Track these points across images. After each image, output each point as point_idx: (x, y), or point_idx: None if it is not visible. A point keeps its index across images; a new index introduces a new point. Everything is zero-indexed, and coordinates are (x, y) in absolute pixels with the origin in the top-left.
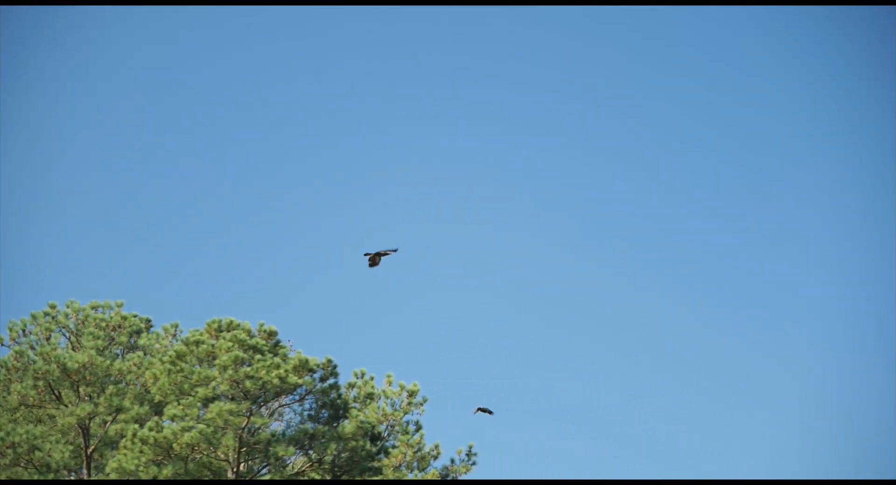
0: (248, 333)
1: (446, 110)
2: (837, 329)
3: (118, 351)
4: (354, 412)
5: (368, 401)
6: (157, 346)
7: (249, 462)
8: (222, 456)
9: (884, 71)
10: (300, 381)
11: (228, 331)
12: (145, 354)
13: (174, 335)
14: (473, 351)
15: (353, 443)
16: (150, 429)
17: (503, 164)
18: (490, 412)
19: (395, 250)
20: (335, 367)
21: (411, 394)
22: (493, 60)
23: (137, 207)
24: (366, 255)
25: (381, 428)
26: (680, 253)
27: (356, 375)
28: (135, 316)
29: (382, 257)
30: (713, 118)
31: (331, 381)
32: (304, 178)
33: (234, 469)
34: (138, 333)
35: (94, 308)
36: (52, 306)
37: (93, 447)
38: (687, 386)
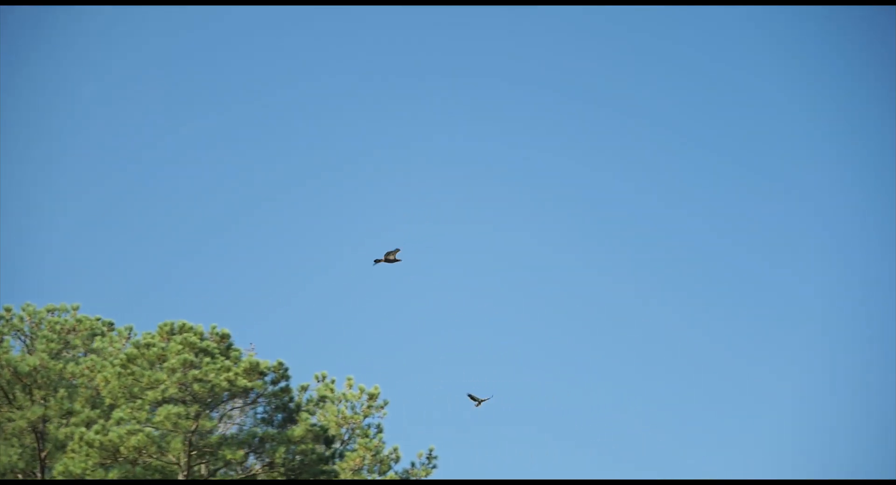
0: (200, 336)
1: (446, 110)
2: (837, 330)
3: (80, 354)
4: (304, 415)
5: (322, 404)
6: (111, 349)
7: (202, 466)
8: (173, 459)
9: (884, 71)
10: (250, 384)
11: (180, 334)
12: (103, 358)
13: (128, 338)
14: (472, 352)
15: (303, 446)
16: (97, 432)
17: (503, 164)
18: (478, 401)
19: (399, 259)
20: (287, 370)
21: (371, 397)
22: (493, 60)
23: (134, 206)
24: (376, 261)
25: (342, 431)
26: (680, 254)
27: (317, 378)
28: (98, 319)
29: (390, 262)
30: (713, 118)
31: (282, 384)
32: (302, 177)
33: (185, 473)
34: (94, 335)
35: (50, 311)
36: (8, 309)
37: (46, 451)
38: (686, 387)
